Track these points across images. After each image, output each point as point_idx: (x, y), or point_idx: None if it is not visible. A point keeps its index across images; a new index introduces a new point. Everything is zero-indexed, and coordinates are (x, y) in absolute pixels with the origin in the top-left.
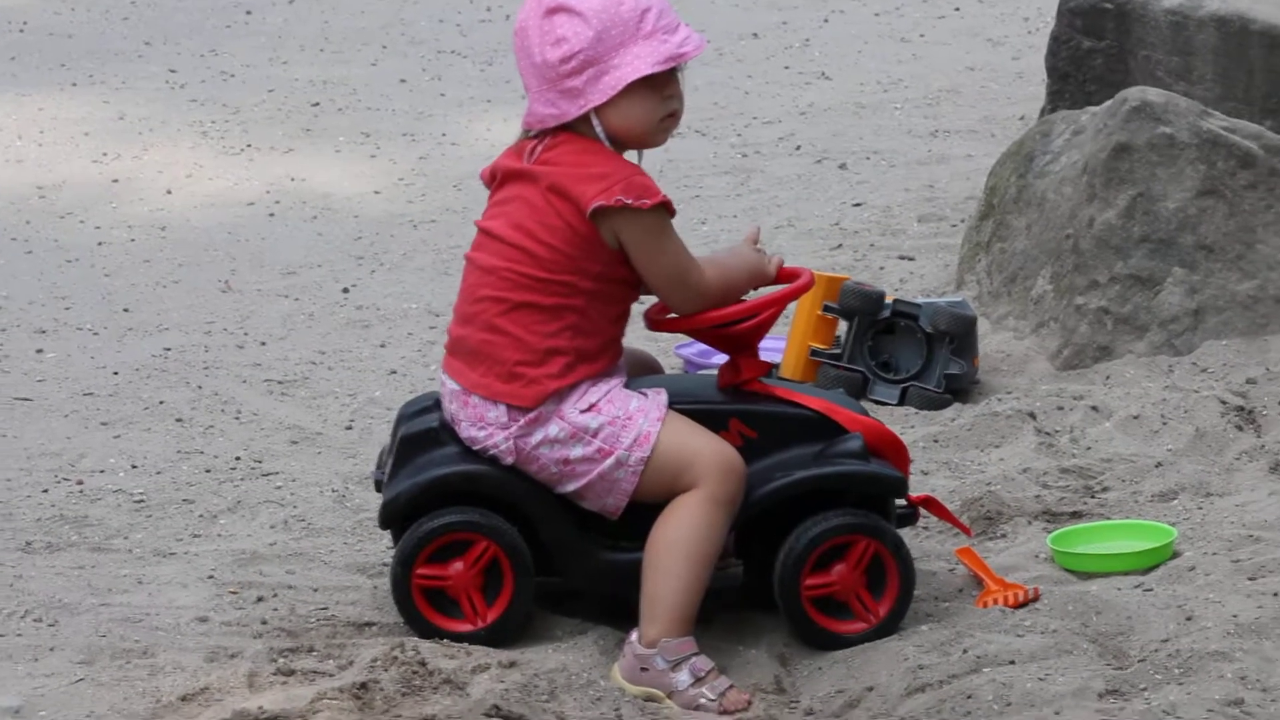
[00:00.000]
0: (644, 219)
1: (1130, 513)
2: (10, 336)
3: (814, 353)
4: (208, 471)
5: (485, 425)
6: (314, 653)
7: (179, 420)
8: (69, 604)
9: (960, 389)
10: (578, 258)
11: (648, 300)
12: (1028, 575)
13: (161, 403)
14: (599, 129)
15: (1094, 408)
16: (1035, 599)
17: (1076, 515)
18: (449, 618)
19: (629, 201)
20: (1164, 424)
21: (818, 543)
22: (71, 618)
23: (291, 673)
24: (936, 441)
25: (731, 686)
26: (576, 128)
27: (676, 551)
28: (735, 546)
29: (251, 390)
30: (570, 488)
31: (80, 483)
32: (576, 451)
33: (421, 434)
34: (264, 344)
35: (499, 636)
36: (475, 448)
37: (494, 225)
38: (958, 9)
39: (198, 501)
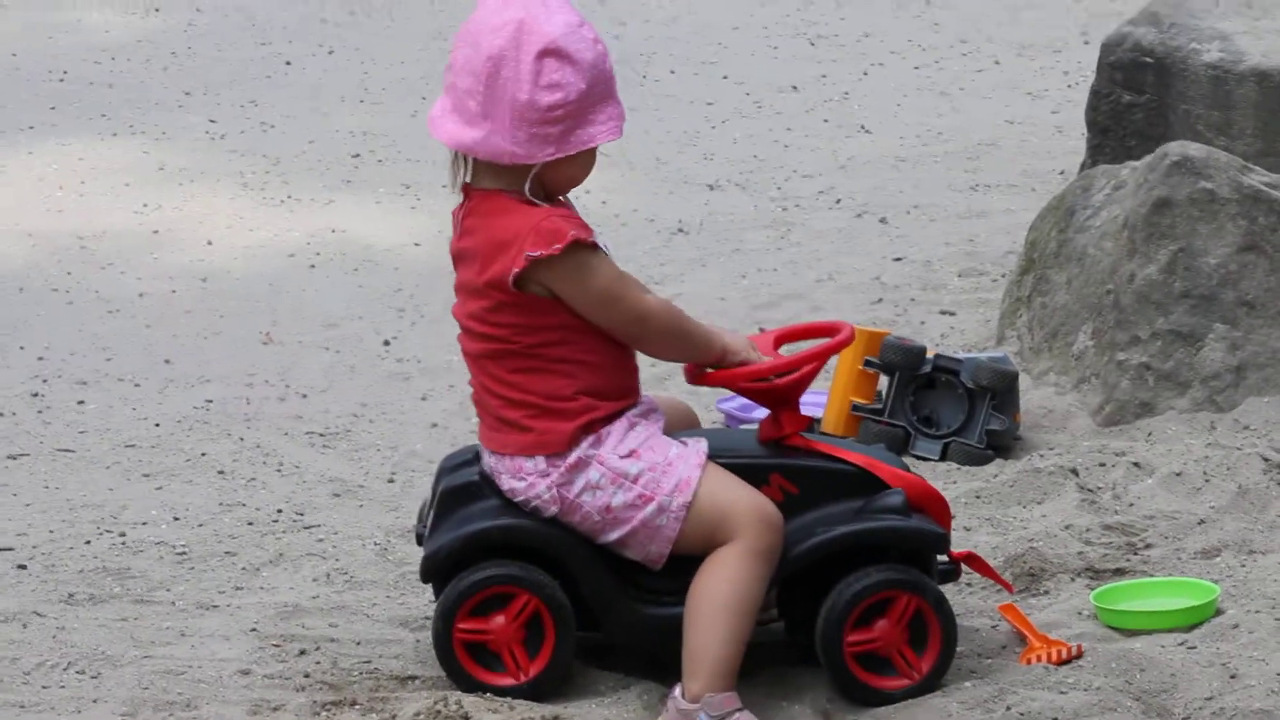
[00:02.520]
0: (559, 263)
1: (1173, 570)
2: (52, 388)
3: (855, 408)
4: (250, 524)
5: (525, 475)
6: (357, 706)
7: (221, 472)
8: (112, 656)
9: (1002, 445)
10: (529, 327)
11: None
12: (1071, 632)
13: (203, 454)
14: (530, 175)
15: (1136, 464)
16: (1079, 656)
17: (1119, 572)
18: (491, 671)
19: (539, 254)
20: (1206, 481)
21: (860, 598)
22: (114, 670)
23: None
24: (978, 497)
25: None
26: (499, 180)
27: (718, 605)
28: (776, 602)
29: (293, 442)
30: (613, 536)
31: (123, 535)
32: (618, 498)
33: (462, 487)
34: (305, 396)
35: (541, 690)
36: (517, 499)
37: (459, 316)
38: (997, 62)
39: (240, 554)
